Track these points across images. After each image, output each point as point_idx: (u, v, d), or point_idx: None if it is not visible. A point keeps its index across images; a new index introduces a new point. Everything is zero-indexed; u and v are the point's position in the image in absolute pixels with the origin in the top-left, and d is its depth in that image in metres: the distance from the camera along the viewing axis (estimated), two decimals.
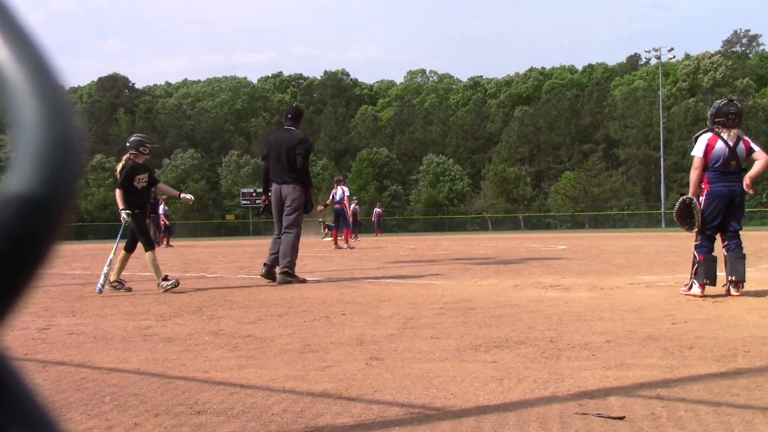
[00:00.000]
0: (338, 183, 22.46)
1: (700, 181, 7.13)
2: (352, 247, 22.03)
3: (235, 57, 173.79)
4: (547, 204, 72.78)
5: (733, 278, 6.85)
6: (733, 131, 7.07)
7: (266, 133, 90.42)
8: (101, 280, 8.57)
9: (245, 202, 66.25)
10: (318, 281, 9.90)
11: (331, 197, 21.99)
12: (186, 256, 19.87)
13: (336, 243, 22.23)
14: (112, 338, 5.12)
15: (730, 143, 7.01)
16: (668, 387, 3.31)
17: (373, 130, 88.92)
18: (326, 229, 36.00)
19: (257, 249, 24.33)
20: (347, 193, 22.11)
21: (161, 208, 30.31)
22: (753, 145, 7.11)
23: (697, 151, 7.11)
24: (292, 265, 9.47)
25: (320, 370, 3.84)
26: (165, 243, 30.13)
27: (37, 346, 4.83)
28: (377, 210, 45.07)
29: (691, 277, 7.03)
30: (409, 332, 5.08)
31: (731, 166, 6.98)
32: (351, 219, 22.83)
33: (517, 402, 3.11)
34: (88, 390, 3.52)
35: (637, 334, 4.79)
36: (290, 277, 9.41)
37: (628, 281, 8.70)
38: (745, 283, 6.95)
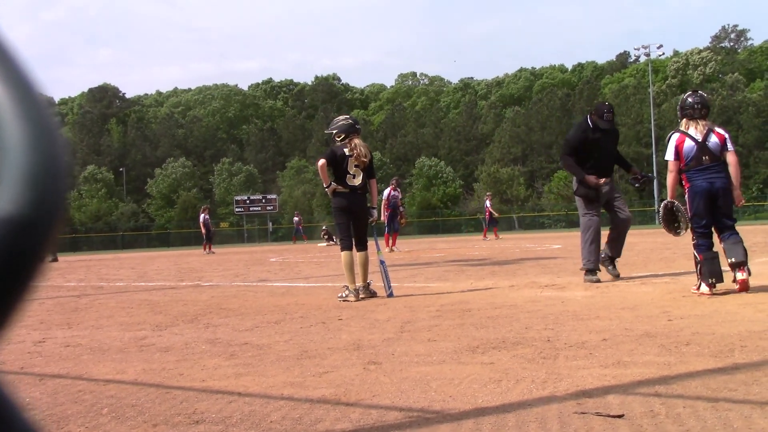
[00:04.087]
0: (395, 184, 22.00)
1: (677, 184, 7.07)
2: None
3: (226, 65, 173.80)
4: (541, 204, 72.86)
5: (733, 260, 6.62)
6: (702, 123, 6.94)
7: (258, 140, 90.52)
8: (387, 285, 7.93)
9: (239, 209, 66.13)
10: (313, 286, 9.90)
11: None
12: (180, 264, 19.82)
13: (394, 245, 21.82)
14: (109, 349, 5.10)
15: (699, 138, 6.88)
16: (666, 384, 3.31)
17: (364, 134, 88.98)
18: (326, 236, 36.12)
19: (252, 256, 24.30)
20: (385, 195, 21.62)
21: (203, 217, 30.54)
22: (728, 141, 6.91)
23: (669, 154, 7.02)
24: (584, 261, 8.72)
25: (318, 376, 3.84)
26: (208, 249, 30.29)
27: (33, 360, 4.81)
28: None
29: (698, 277, 6.90)
30: (406, 336, 5.07)
31: (704, 161, 6.84)
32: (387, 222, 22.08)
33: (516, 403, 3.11)
34: (85, 402, 3.50)
35: (633, 331, 4.79)
36: (590, 274, 8.62)
37: (623, 279, 8.71)
38: (748, 266, 6.67)
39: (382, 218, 21.33)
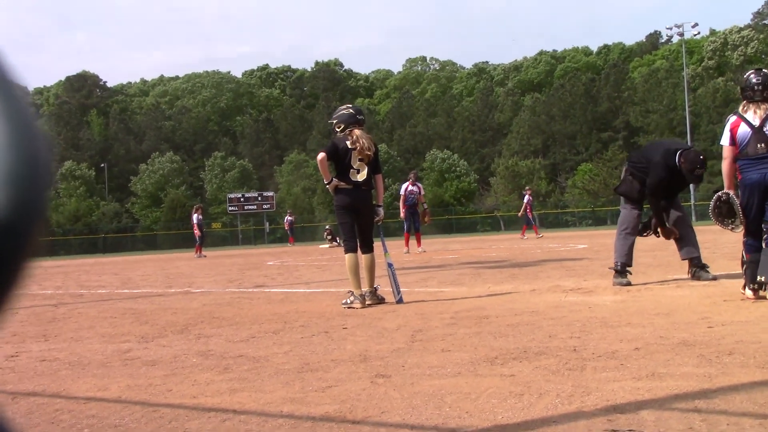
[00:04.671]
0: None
1: (732, 172, 6.96)
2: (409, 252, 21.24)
3: (216, 50, 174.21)
4: (564, 199, 72.80)
5: (762, 278, 6.51)
6: (763, 107, 6.75)
7: (253, 132, 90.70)
8: (396, 290, 7.93)
9: (232, 208, 66.19)
10: (314, 292, 9.90)
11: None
12: (168, 269, 19.86)
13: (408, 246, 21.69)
14: (89, 364, 5.10)
15: (756, 123, 6.75)
16: (707, 398, 3.28)
17: (370, 125, 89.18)
18: (329, 236, 36.24)
19: (247, 260, 24.34)
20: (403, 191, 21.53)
21: (195, 217, 30.57)
22: None
23: (724, 139, 6.91)
24: (616, 255, 8.76)
25: (321, 391, 3.82)
26: (199, 253, 30.39)
27: (5, 376, 4.81)
28: None
29: (744, 277, 6.82)
30: (417, 346, 5.06)
31: (759, 150, 6.68)
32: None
33: (539, 419, 3.09)
34: (63, 423, 3.49)
35: (669, 339, 4.77)
36: (620, 276, 8.62)
37: (657, 281, 8.68)
38: None
39: (401, 215, 21.39)
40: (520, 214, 32.12)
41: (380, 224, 8.39)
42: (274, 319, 7.08)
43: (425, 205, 21.15)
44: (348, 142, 7.92)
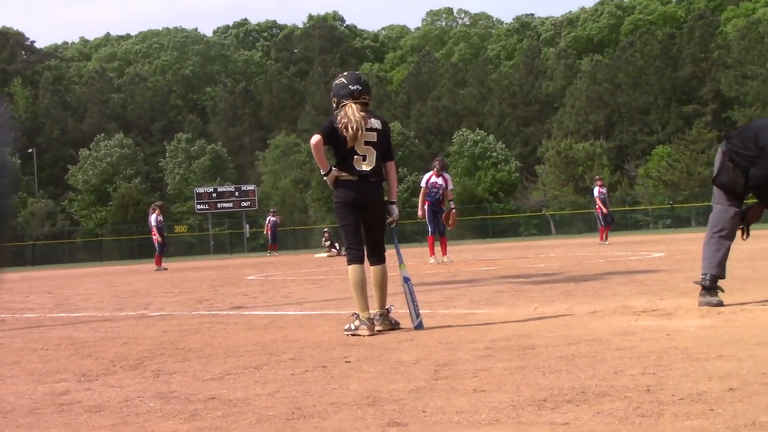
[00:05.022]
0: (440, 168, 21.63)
1: None
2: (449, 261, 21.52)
3: (181, 1, 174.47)
4: (634, 194, 72.68)
5: None
6: None
7: (229, 107, 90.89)
8: (414, 312, 7.92)
9: (202, 206, 66.26)
10: (308, 315, 9.90)
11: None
12: (118, 286, 19.90)
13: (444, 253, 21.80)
14: (13, 411, 5.10)
15: None
16: None
17: (380, 97, 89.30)
18: (328, 242, 36.34)
19: (221, 273, 24.38)
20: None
21: (154, 218, 30.50)
22: None
23: None
24: (704, 266, 8.64)
25: None
26: (159, 265, 30.65)
27: None
28: None
29: None
30: (442, 384, 5.06)
31: None
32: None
33: None
34: None
35: None
36: (708, 294, 8.54)
37: (758, 301, 8.64)
38: None
39: (418, 215, 21.42)
40: (604, 211, 31.46)
41: (394, 226, 8.36)
42: (256, 350, 7.08)
43: (452, 204, 20.96)
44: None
